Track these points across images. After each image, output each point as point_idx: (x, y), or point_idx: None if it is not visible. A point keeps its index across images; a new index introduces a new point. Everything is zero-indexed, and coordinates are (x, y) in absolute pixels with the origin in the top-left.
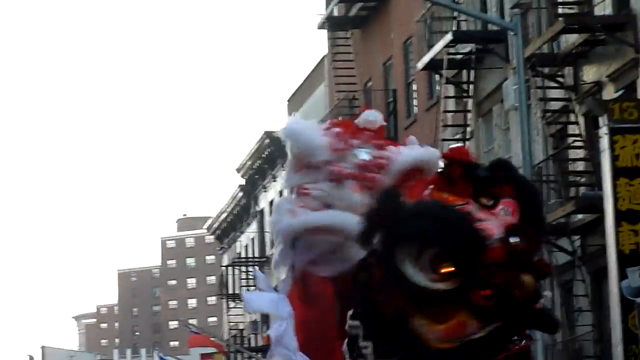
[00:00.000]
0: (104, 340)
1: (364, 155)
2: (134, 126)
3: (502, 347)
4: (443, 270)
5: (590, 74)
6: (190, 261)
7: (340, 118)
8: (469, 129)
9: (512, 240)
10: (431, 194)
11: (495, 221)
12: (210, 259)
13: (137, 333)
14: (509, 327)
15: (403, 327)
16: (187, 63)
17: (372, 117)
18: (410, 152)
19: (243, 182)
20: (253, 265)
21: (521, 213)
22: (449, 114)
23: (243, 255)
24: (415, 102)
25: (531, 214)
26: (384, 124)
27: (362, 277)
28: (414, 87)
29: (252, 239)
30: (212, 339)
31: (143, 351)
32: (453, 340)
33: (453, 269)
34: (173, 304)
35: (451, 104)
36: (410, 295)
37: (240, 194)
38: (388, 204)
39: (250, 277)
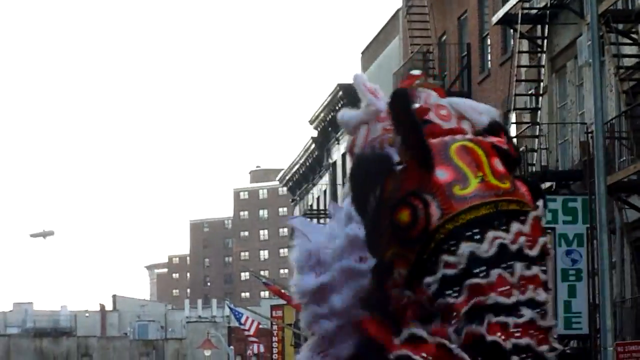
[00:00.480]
0: (175, 290)
1: None
2: (210, 80)
3: None
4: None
5: None
6: (263, 213)
7: (414, 72)
8: (542, 84)
9: None
10: None
11: None
12: (282, 210)
13: (208, 284)
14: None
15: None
16: (261, 15)
17: None
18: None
19: (315, 134)
20: (325, 217)
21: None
22: (523, 69)
23: (315, 207)
24: (489, 56)
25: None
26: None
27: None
28: (488, 41)
29: (324, 191)
30: (283, 290)
31: (214, 302)
32: None
33: None
34: (245, 255)
35: (525, 59)
36: None
37: (313, 146)
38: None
39: None
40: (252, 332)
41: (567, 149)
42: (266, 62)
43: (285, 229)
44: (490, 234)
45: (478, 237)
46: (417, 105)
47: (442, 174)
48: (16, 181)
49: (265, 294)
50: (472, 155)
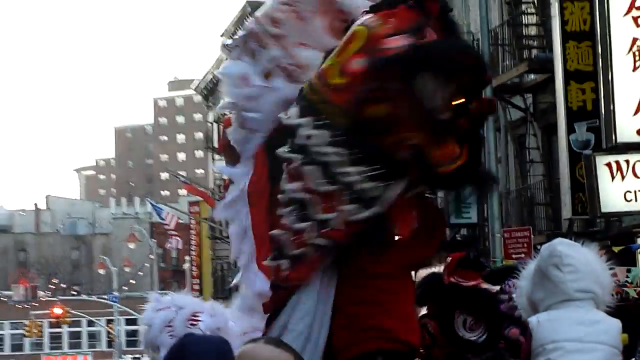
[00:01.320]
0: (102, 190)
1: None
2: None
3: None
4: (454, 103)
5: None
6: (180, 119)
7: None
8: None
9: None
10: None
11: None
12: (197, 116)
13: (131, 184)
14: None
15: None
16: None
17: None
18: None
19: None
20: None
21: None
22: None
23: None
24: None
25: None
26: None
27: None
28: None
29: None
30: (200, 188)
31: (137, 200)
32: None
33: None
34: (164, 157)
35: None
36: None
37: (224, 57)
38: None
39: None
40: (172, 226)
41: None
42: None
43: (200, 133)
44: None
45: None
46: None
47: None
48: None
49: (183, 192)
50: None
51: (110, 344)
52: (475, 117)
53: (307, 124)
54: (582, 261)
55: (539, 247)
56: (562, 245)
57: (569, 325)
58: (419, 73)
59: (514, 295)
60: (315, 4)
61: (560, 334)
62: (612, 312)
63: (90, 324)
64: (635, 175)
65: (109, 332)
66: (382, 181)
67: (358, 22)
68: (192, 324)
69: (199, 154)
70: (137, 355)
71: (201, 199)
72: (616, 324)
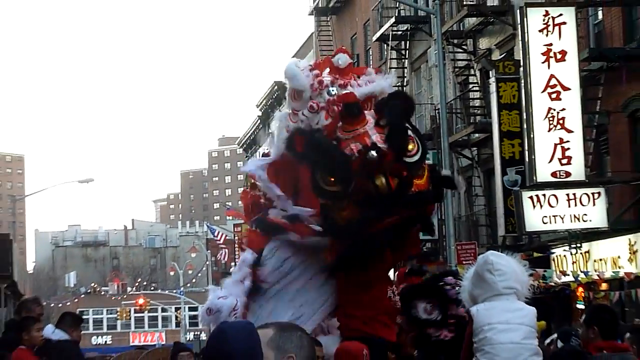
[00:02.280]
0: (172, 216)
1: (332, 92)
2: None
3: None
4: (331, 179)
5: (484, 43)
6: (227, 165)
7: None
8: (405, 79)
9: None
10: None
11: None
12: (239, 164)
13: (193, 211)
14: (383, 210)
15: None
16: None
17: (342, 59)
18: (363, 88)
19: (260, 113)
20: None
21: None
22: (393, 70)
23: None
24: (370, 62)
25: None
26: (350, 61)
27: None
28: (370, 52)
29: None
30: (240, 213)
31: (197, 222)
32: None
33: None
34: (216, 192)
35: (394, 63)
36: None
37: (258, 121)
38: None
39: None
40: (221, 241)
41: (422, 121)
42: (222, 62)
43: (241, 176)
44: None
45: None
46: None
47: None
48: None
49: (229, 217)
50: None
51: (177, 324)
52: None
53: None
54: (507, 266)
55: (480, 253)
56: (493, 255)
57: (499, 312)
58: None
59: (456, 288)
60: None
61: (493, 318)
62: (530, 302)
63: (164, 310)
64: (549, 205)
65: (176, 316)
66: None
67: None
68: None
69: (240, 189)
70: (197, 333)
71: (242, 220)
72: (532, 310)
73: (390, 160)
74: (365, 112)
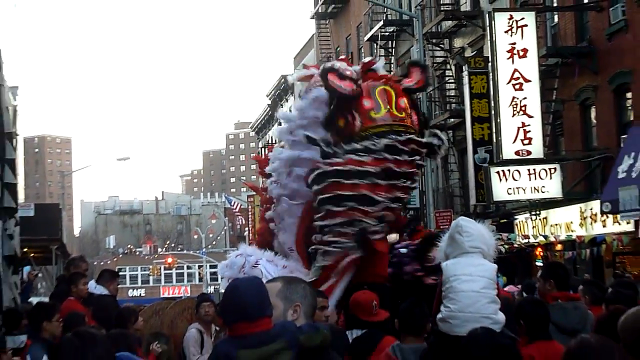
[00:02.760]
0: (195, 188)
1: None
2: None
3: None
4: None
5: (458, 43)
6: (242, 145)
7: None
8: (392, 73)
9: None
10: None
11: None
12: (252, 145)
13: (213, 184)
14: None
15: None
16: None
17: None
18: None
19: (269, 101)
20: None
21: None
22: (383, 65)
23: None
24: (363, 59)
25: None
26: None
27: None
28: (362, 51)
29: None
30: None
31: (216, 194)
32: None
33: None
34: (232, 168)
35: (382, 61)
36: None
37: (268, 109)
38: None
39: None
40: (237, 210)
41: None
42: (235, 54)
43: (253, 154)
44: (385, 140)
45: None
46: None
47: (366, 102)
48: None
49: (244, 189)
50: (387, 94)
51: (200, 279)
52: None
53: None
54: (474, 229)
55: (455, 219)
56: (463, 220)
57: (464, 266)
58: None
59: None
60: None
61: (458, 271)
62: (497, 261)
63: (188, 267)
64: (513, 178)
65: (199, 273)
66: None
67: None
68: (254, 267)
69: (253, 167)
70: (217, 286)
71: (254, 192)
72: (493, 266)
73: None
74: None
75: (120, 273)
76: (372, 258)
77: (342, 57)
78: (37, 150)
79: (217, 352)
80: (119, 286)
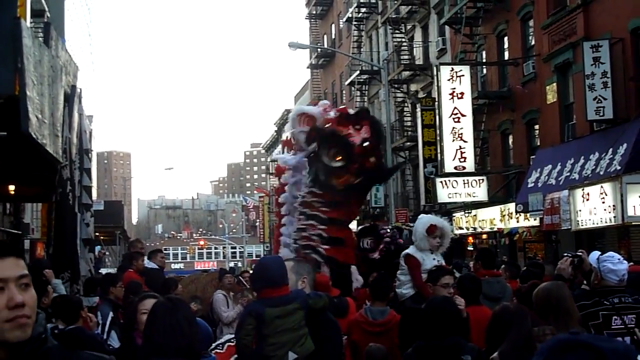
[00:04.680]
0: (221, 191)
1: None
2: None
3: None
4: (338, 158)
5: (413, 87)
6: (255, 160)
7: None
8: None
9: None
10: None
11: (358, 136)
12: (262, 159)
13: (234, 188)
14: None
15: None
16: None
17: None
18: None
19: (276, 128)
20: None
21: (372, 132)
22: (357, 103)
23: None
24: (344, 98)
25: (377, 133)
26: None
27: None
28: (344, 92)
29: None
30: (263, 189)
31: (236, 195)
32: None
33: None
34: (248, 177)
35: (358, 99)
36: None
37: (275, 134)
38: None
39: None
40: (251, 206)
41: None
42: (239, 91)
43: (264, 167)
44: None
45: None
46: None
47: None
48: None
49: (255, 192)
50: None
51: (224, 256)
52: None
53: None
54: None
55: (410, 217)
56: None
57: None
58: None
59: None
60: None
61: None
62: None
63: (215, 248)
64: (452, 186)
65: (223, 252)
66: None
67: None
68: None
69: (263, 177)
70: (236, 262)
71: (264, 194)
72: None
73: (375, 147)
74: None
75: (166, 252)
76: (340, 247)
77: (326, 101)
78: (106, 161)
79: (250, 309)
80: (166, 261)
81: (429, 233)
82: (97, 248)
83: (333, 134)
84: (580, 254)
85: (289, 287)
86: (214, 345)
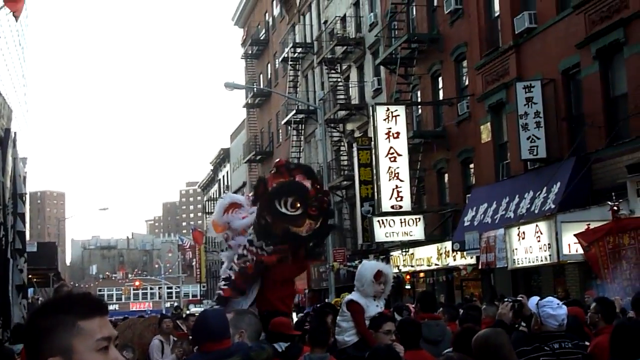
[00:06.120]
0: (157, 230)
1: None
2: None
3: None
4: (297, 205)
5: (349, 126)
6: (191, 199)
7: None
8: (302, 148)
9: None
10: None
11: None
12: (199, 198)
13: (169, 227)
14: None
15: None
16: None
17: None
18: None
19: (212, 167)
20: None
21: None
22: (294, 142)
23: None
24: (280, 137)
25: (313, 175)
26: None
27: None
28: (280, 131)
29: (216, 191)
30: (199, 230)
31: (172, 234)
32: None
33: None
34: (184, 217)
35: (295, 138)
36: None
37: (211, 173)
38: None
39: None
40: (187, 246)
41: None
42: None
43: (200, 205)
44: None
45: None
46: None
47: None
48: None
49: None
50: None
51: (159, 297)
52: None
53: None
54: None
55: (348, 256)
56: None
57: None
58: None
59: None
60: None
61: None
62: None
63: (151, 288)
64: (389, 225)
65: (159, 292)
66: None
67: None
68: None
69: (199, 215)
70: (172, 303)
71: (200, 234)
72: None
73: (324, 196)
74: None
75: (100, 293)
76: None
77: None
78: (39, 201)
79: None
80: None
81: (375, 279)
82: (31, 291)
83: (283, 185)
84: (521, 298)
85: (230, 340)
86: None
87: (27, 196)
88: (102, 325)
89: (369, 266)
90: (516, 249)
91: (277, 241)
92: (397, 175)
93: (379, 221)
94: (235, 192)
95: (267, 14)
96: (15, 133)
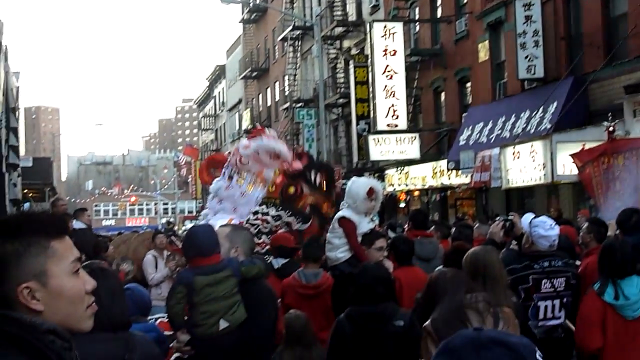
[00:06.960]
0: (152, 146)
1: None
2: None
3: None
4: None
5: (346, 44)
6: (187, 115)
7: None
8: (298, 65)
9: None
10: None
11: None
12: (194, 114)
13: (165, 143)
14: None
15: None
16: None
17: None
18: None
19: (208, 83)
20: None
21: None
22: (290, 59)
23: (207, 113)
24: (276, 54)
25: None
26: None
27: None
28: (276, 48)
29: (211, 106)
30: (194, 146)
31: (168, 150)
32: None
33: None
34: (180, 132)
35: (291, 55)
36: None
37: (207, 89)
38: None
39: None
40: (183, 163)
41: (309, 90)
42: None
43: (195, 122)
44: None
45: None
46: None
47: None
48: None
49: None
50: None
51: (155, 213)
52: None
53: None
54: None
55: (343, 174)
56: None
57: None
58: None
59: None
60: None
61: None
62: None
63: (147, 204)
64: (385, 143)
65: (154, 208)
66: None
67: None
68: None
69: (195, 132)
70: (168, 219)
71: (194, 150)
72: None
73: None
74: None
75: (96, 208)
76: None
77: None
78: (34, 116)
79: (179, 277)
80: (95, 218)
81: (368, 195)
82: (27, 205)
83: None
84: (512, 217)
85: (220, 255)
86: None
87: (22, 111)
88: (72, 246)
89: (361, 183)
90: (510, 168)
91: (303, 215)
92: (393, 93)
93: (374, 139)
94: (231, 109)
95: None
96: (6, 46)
